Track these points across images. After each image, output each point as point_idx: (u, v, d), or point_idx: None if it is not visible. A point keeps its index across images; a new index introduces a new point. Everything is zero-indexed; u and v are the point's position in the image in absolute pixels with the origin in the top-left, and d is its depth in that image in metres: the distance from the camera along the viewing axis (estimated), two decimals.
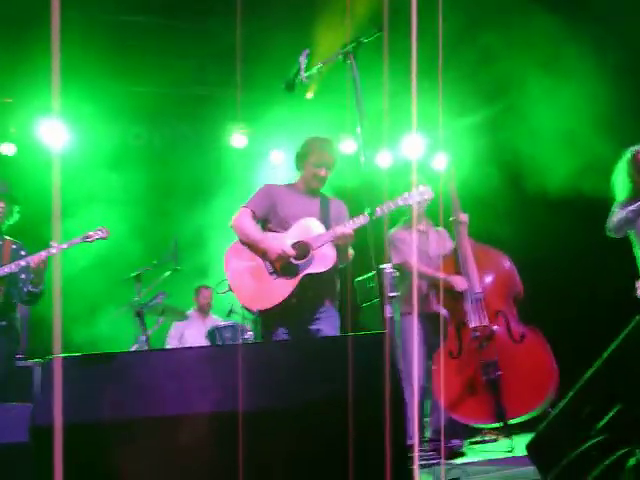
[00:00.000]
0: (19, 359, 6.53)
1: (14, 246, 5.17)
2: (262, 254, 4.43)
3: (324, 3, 6.85)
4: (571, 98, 5.89)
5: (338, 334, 4.51)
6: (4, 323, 5.00)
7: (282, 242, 4.40)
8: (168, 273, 6.79)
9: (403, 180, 5.48)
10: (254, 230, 4.51)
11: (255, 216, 4.56)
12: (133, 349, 6.39)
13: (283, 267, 4.39)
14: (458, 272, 5.28)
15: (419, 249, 5.52)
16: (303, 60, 3.51)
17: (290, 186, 4.74)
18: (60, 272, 4.85)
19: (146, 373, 2.63)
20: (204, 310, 7.71)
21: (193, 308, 7.72)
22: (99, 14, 6.86)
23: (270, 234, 4.52)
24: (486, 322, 5.09)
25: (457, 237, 5.38)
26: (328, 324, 4.49)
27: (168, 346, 7.40)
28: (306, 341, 3.89)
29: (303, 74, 3.51)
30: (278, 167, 8.65)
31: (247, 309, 4.47)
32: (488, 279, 5.26)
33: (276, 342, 4.11)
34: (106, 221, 7.15)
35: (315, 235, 4.43)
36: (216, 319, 7.53)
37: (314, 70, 3.52)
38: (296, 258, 4.37)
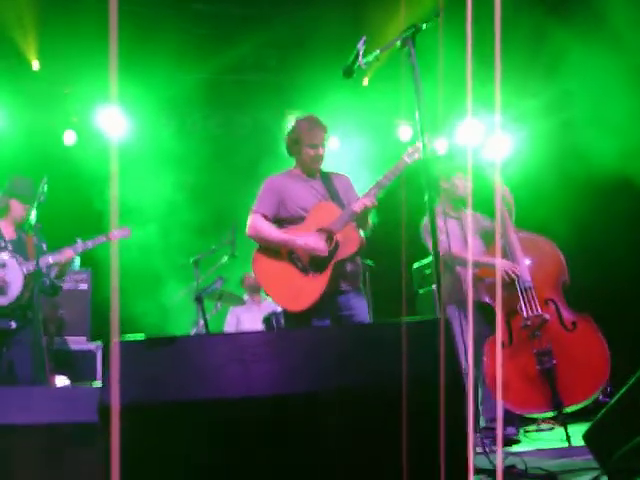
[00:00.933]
0: (81, 342, 6.73)
1: (36, 240, 5.30)
2: (290, 254, 4.37)
3: None
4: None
5: (368, 319, 4.50)
6: (30, 314, 5.15)
7: (309, 235, 4.35)
8: (225, 259, 6.89)
9: (452, 165, 5.47)
10: (276, 233, 4.43)
11: (267, 218, 4.49)
12: (192, 333, 6.52)
13: (312, 261, 4.34)
14: (505, 259, 5.23)
15: (456, 236, 5.42)
16: (361, 47, 3.52)
17: (290, 173, 4.67)
18: (117, 256, 4.95)
19: (208, 357, 2.69)
20: (255, 291, 7.76)
21: (245, 294, 7.80)
22: (156, 2, 6.97)
23: (291, 230, 4.45)
24: (538, 311, 5.04)
25: (502, 225, 5.31)
26: (360, 307, 4.46)
27: (225, 331, 7.50)
28: (362, 326, 3.91)
29: (361, 60, 3.51)
30: (334, 153, 8.66)
31: (288, 311, 4.42)
32: (536, 267, 5.20)
33: (334, 327, 4.13)
34: (166, 209, 7.34)
35: (334, 218, 4.37)
36: (271, 304, 7.61)
37: (372, 56, 3.52)
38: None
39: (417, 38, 3.35)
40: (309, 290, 4.31)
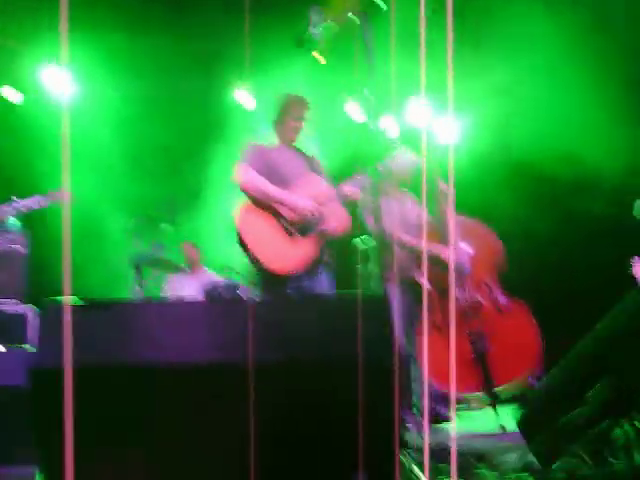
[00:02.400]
0: (12, 304, 6.58)
1: None
2: (275, 213, 4.46)
3: None
4: None
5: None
6: None
7: (301, 197, 4.46)
8: (165, 225, 6.80)
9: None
10: (272, 187, 4.51)
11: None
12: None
13: (302, 226, 4.42)
14: (440, 242, 5.26)
15: (395, 215, 5.46)
16: (314, 15, 3.49)
17: (270, 145, 4.77)
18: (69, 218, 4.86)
19: (150, 322, 2.66)
20: (193, 265, 7.68)
21: (184, 263, 7.71)
22: None
23: (285, 191, 4.53)
24: (470, 293, 5.12)
25: (440, 207, 5.34)
26: (327, 281, 4.59)
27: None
28: (312, 298, 3.92)
29: (314, 30, 3.50)
30: None
31: (270, 271, 4.44)
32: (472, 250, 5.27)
33: (279, 298, 4.13)
34: (107, 173, 7.22)
35: (321, 191, 4.49)
36: (210, 274, 7.54)
37: (324, 27, 3.51)
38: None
39: (372, 13, 3.33)
40: (294, 253, 4.40)
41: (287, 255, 4.40)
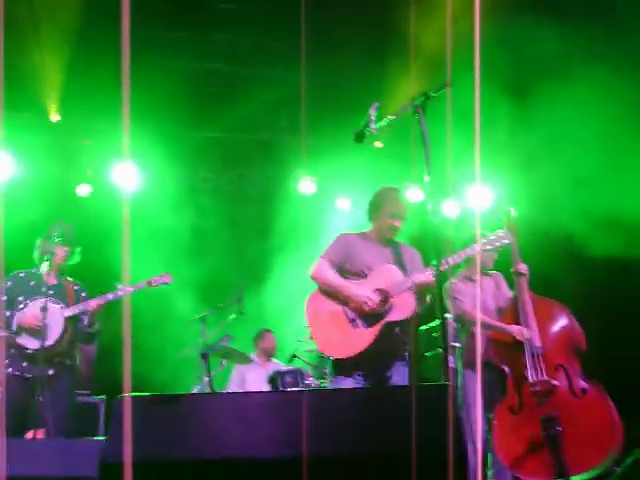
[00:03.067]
0: (86, 395, 6.70)
1: (76, 287, 5.35)
2: (344, 301, 4.50)
3: (392, 56, 7.01)
4: None
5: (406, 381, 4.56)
6: (68, 362, 5.17)
7: (365, 289, 4.47)
8: (232, 317, 6.88)
9: (467, 231, 5.50)
10: (336, 278, 4.59)
11: (333, 265, 4.64)
12: (195, 390, 6.47)
13: (364, 315, 4.45)
14: (518, 324, 5.21)
15: (474, 298, 5.47)
16: (373, 112, 3.59)
17: (363, 235, 4.82)
18: (129, 312, 5.01)
19: (212, 415, 2.69)
20: (268, 354, 7.73)
21: (255, 352, 7.76)
22: (171, 60, 7.14)
23: (351, 281, 4.59)
24: (544, 376, 4.98)
25: (517, 289, 5.31)
26: (400, 373, 4.55)
27: (229, 389, 7.44)
28: (370, 390, 3.90)
29: (373, 126, 3.58)
30: (345, 214, 8.74)
31: (327, 356, 4.52)
32: (548, 332, 5.16)
33: (340, 390, 4.13)
34: (172, 262, 7.38)
35: (395, 282, 4.49)
36: (277, 364, 7.56)
37: (384, 122, 3.59)
38: (378, 306, 4.44)
39: (427, 105, 3.42)
40: (353, 342, 4.42)
41: (345, 344, 4.42)
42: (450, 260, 4.47)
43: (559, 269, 7.01)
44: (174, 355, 7.01)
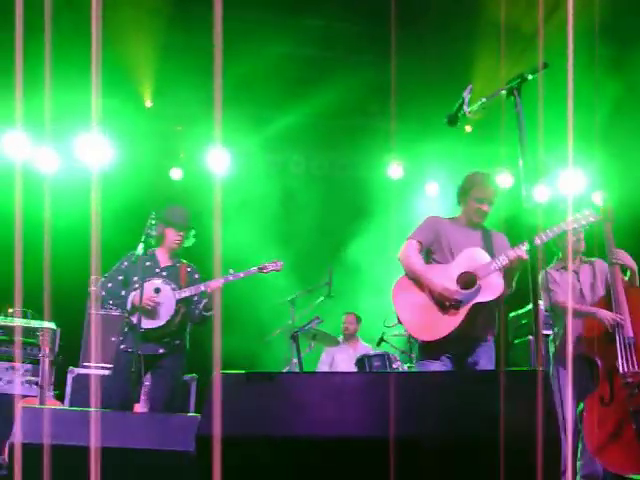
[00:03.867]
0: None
1: (189, 269, 5.48)
2: (427, 287, 4.52)
3: (483, 38, 6.91)
4: None
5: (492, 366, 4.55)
6: (178, 342, 5.29)
7: (445, 278, 4.49)
8: (321, 299, 6.97)
9: (559, 216, 5.40)
10: (419, 264, 4.61)
11: (421, 247, 4.68)
12: (285, 371, 6.59)
13: (443, 305, 4.46)
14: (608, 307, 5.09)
15: (569, 287, 5.36)
16: (467, 95, 3.56)
17: (453, 219, 4.83)
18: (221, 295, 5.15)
19: (304, 394, 2.74)
20: (350, 336, 7.80)
21: (342, 335, 7.84)
22: (262, 45, 7.21)
23: (436, 266, 4.62)
24: (636, 368, 4.84)
25: (611, 277, 5.18)
26: (486, 357, 4.55)
27: (319, 370, 7.53)
28: (459, 374, 3.89)
29: (467, 108, 3.55)
30: (433, 199, 8.69)
31: (415, 339, 4.59)
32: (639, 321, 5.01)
33: (429, 373, 4.14)
34: (263, 245, 7.50)
35: (481, 264, 4.48)
36: (366, 347, 7.61)
37: (478, 105, 3.55)
38: (463, 288, 4.45)
39: (522, 88, 3.36)
40: (441, 325, 4.44)
41: (433, 326, 4.44)
42: (543, 236, 4.43)
43: None
44: (264, 336, 7.13)
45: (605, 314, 5.02)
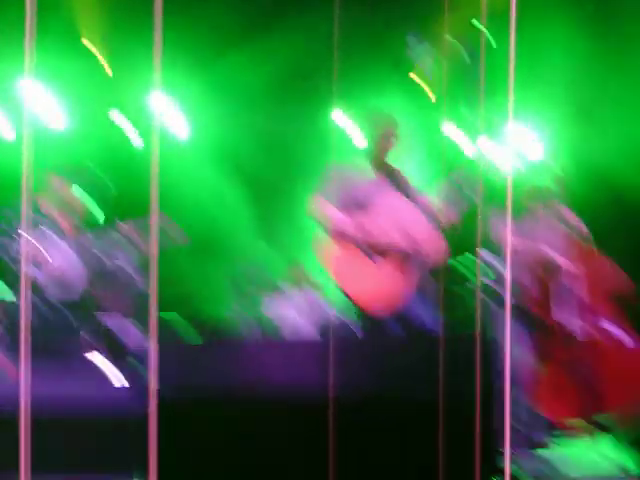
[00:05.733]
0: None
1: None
2: (357, 239, 4.52)
3: None
4: None
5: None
6: None
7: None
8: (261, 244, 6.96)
9: None
10: (341, 216, 4.59)
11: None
12: None
13: (382, 250, 4.46)
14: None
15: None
16: (412, 39, 3.52)
17: (357, 166, 4.83)
18: None
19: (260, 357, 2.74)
20: (298, 285, 7.89)
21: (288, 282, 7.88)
22: None
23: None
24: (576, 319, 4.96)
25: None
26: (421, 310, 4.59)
27: None
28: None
29: (411, 53, 3.51)
30: None
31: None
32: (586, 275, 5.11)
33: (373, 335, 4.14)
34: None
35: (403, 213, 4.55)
36: (316, 296, 7.67)
37: (422, 50, 3.51)
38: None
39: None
40: (390, 289, 4.44)
41: (375, 285, 4.42)
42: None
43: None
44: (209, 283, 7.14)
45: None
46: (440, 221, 4.51)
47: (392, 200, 4.56)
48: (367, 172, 4.71)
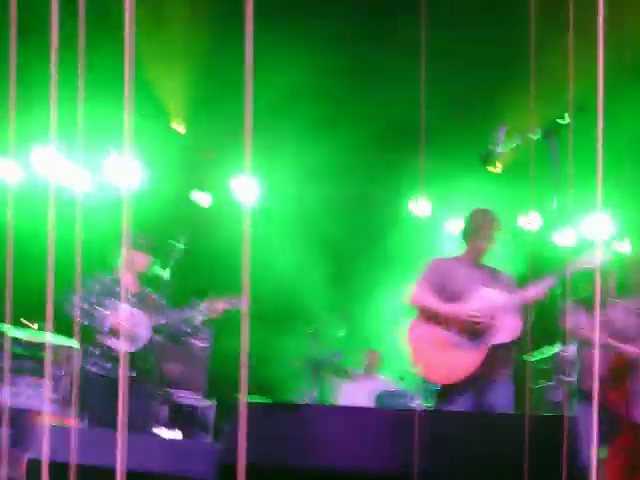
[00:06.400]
0: (196, 399, 6.89)
1: (155, 297, 5.45)
2: (447, 321, 4.47)
3: (518, 77, 6.89)
4: None
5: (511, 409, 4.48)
6: (148, 366, 5.27)
7: (467, 307, 4.44)
8: (342, 333, 6.96)
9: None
10: (435, 300, 4.56)
11: (429, 290, 4.61)
12: (306, 401, 6.56)
13: (469, 333, 4.41)
14: None
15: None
16: (502, 135, 3.57)
17: (457, 259, 4.78)
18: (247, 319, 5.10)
19: (326, 426, 2.73)
20: (371, 371, 7.76)
21: (362, 369, 7.79)
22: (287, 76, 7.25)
23: (451, 304, 4.55)
24: None
25: None
26: (504, 398, 4.47)
27: (338, 402, 7.49)
28: (483, 415, 3.86)
29: (500, 149, 3.56)
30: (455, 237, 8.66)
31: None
32: None
33: (453, 413, 4.10)
34: (291, 278, 7.52)
35: (494, 304, 4.44)
36: (384, 380, 7.56)
37: (511, 146, 3.56)
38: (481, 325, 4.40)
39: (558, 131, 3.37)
40: (461, 363, 4.39)
41: (453, 367, 4.39)
42: (566, 271, 4.33)
43: None
44: (285, 365, 7.12)
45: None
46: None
47: (489, 293, 4.52)
48: (467, 265, 4.69)
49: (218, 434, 6.35)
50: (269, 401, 3.03)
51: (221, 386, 6.83)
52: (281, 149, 7.73)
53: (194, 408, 6.70)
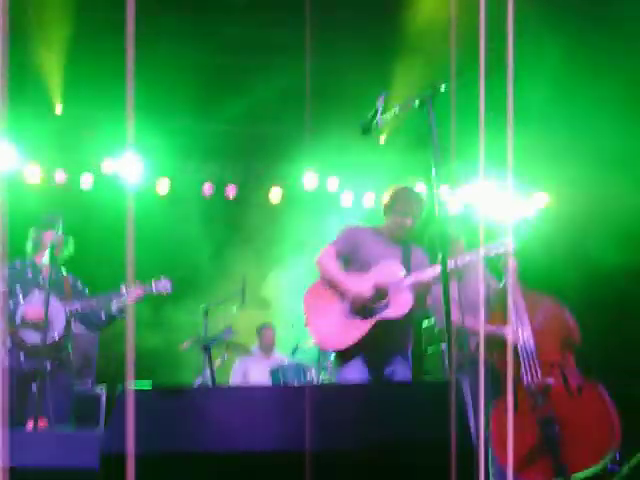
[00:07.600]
0: (85, 385, 6.69)
1: (71, 280, 5.32)
2: (341, 294, 4.51)
3: (401, 45, 6.94)
4: None
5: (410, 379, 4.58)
6: (64, 355, 5.14)
7: (361, 284, 4.47)
8: (234, 309, 6.88)
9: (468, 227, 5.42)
10: (336, 270, 4.60)
11: (339, 255, 4.66)
12: (197, 382, 6.46)
13: (359, 309, 4.46)
14: (506, 320, 5.11)
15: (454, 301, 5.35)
16: (380, 104, 3.53)
17: (375, 230, 4.81)
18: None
19: (216, 408, 2.67)
20: (268, 349, 7.72)
21: (256, 346, 7.75)
22: (176, 52, 7.08)
23: (352, 274, 4.59)
24: (538, 377, 4.90)
25: (506, 284, 5.19)
26: (402, 369, 4.56)
27: (232, 382, 7.43)
28: (372, 386, 3.87)
29: (380, 118, 3.53)
30: (347, 209, 8.70)
31: (320, 348, 4.58)
32: (540, 328, 5.06)
33: (342, 385, 4.13)
34: (178, 254, 7.37)
35: (394, 280, 4.48)
36: (280, 357, 7.55)
37: (390, 114, 3.53)
38: (372, 301, 4.44)
39: (436, 98, 3.35)
40: (345, 334, 4.45)
41: (337, 335, 4.46)
42: (455, 262, 4.43)
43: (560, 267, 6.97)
44: (176, 347, 7.00)
45: (509, 333, 4.99)
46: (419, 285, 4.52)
47: (391, 268, 4.55)
48: (380, 238, 4.72)
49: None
50: (155, 386, 2.94)
51: (111, 372, 6.69)
52: (166, 124, 7.56)
53: (88, 396, 6.51)
